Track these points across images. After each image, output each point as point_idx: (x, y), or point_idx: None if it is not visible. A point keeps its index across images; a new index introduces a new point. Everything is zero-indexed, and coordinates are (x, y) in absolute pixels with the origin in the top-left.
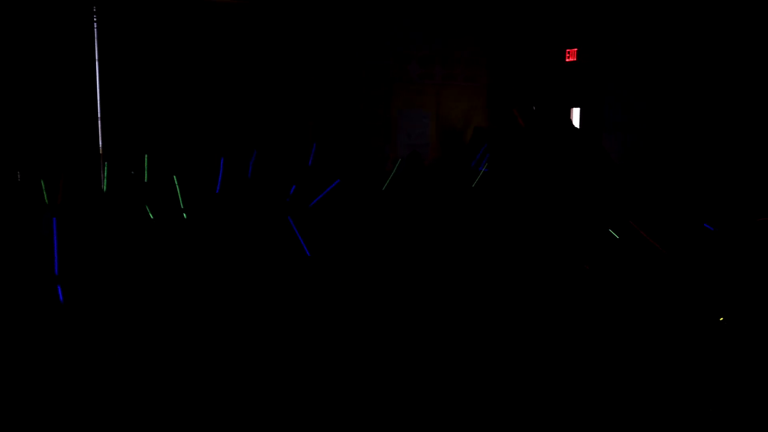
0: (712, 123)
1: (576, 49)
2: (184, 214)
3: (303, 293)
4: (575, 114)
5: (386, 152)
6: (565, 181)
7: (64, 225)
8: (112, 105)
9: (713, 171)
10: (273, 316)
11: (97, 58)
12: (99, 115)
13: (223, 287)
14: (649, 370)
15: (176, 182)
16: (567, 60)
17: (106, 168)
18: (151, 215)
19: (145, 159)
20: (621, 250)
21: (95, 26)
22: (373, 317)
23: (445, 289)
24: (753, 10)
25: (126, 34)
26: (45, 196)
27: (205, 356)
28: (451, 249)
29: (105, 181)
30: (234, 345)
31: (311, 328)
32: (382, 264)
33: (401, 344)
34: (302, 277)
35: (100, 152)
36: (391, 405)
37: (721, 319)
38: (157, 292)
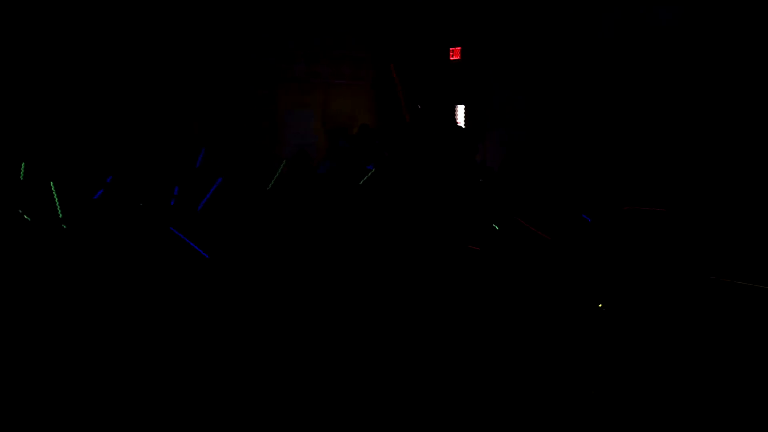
0: (591, 118)
1: (459, 48)
2: (60, 213)
3: (196, 295)
4: (460, 111)
5: (273, 152)
6: (447, 177)
7: None
8: None
9: (591, 164)
10: (163, 318)
11: None
12: None
13: (107, 290)
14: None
15: (53, 188)
16: (451, 58)
17: None
18: (27, 218)
19: (22, 166)
20: (506, 239)
21: None
22: (266, 317)
23: (340, 283)
24: (632, 12)
25: None
26: None
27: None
28: (339, 244)
29: None
30: (118, 348)
31: (212, 331)
32: (269, 263)
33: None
34: (193, 280)
35: None
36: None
37: (600, 305)
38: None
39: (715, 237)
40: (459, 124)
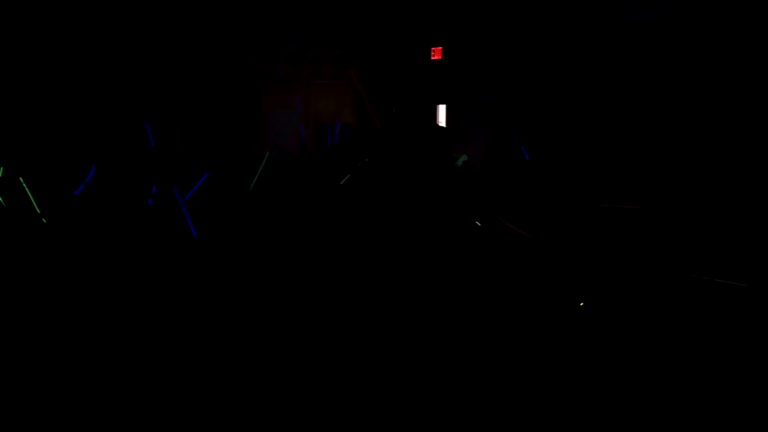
0: (575, 118)
1: (441, 48)
2: (37, 208)
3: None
4: (441, 111)
5: (255, 152)
6: (426, 177)
7: None
8: None
9: (574, 163)
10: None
11: None
12: None
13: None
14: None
15: (23, 183)
16: (432, 58)
17: None
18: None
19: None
20: (487, 238)
21: None
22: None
23: (327, 282)
24: (609, 15)
25: None
26: None
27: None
28: (322, 245)
29: None
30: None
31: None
32: (256, 261)
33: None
34: (182, 278)
35: None
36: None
37: (582, 304)
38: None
39: (695, 235)
40: (439, 124)
